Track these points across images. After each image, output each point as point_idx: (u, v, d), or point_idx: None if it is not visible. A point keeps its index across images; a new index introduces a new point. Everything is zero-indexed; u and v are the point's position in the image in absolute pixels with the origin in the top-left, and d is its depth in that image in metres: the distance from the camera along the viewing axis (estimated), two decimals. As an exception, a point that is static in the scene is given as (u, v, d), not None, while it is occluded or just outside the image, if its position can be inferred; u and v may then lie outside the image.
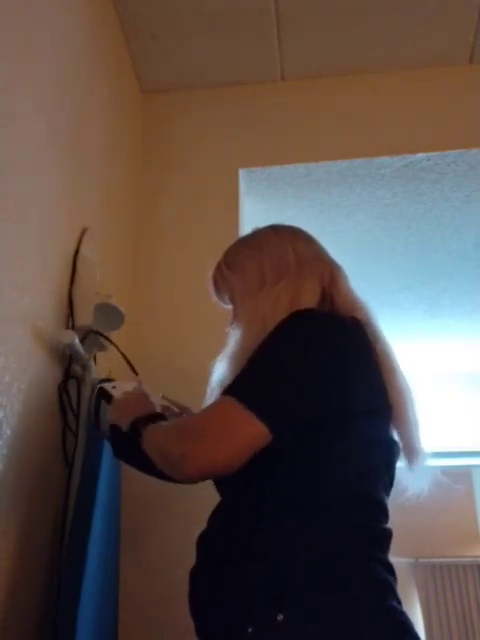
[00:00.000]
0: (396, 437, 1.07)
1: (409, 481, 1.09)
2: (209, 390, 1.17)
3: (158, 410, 1.19)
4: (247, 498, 0.98)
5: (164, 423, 1.08)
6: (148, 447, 1.04)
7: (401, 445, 1.07)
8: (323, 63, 2.12)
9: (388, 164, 2.08)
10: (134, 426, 1.09)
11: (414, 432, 1.08)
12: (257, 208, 2.24)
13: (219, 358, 1.17)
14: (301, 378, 0.96)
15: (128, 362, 1.51)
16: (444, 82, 2.12)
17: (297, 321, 1.03)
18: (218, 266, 1.27)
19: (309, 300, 1.11)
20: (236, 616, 0.88)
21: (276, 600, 0.86)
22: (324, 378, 0.96)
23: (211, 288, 1.28)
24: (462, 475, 5.03)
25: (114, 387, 1.24)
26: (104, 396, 1.24)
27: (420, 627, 5.16)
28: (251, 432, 0.91)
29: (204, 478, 0.94)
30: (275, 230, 1.25)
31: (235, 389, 0.96)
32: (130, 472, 1.33)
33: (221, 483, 1.07)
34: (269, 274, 1.16)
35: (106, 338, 1.46)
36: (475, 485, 5.36)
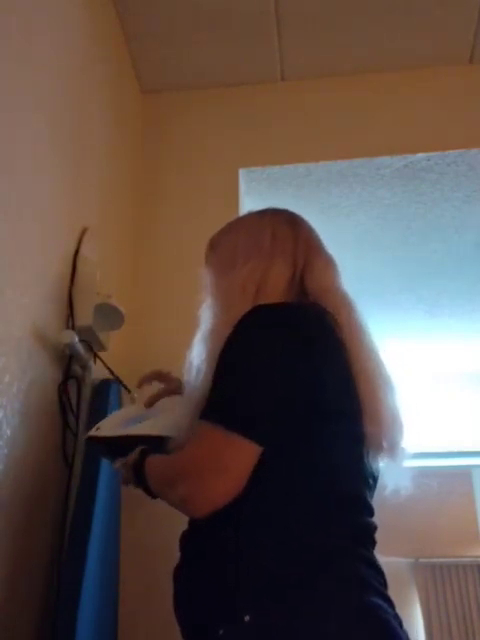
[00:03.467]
0: (372, 433, 1.01)
1: (388, 478, 1.06)
2: (186, 365, 1.10)
3: (148, 412, 1.19)
4: None
5: (155, 461, 1.04)
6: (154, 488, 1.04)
7: (384, 443, 1.02)
8: (323, 63, 2.12)
9: (388, 164, 2.08)
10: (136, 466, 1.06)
11: (391, 428, 1.03)
12: (257, 208, 2.23)
13: (196, 339, 1.12)
14: (271, 385, 0.93)
15: (117, 378, 1.52)
16: (444, 82, 2.12)
17: (259, 322, 0.99)
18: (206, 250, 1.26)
19: (276, 284, 1.08)
20: (211, 617, 0.88)
21: (246, 600, 0.84)
22: (294, 381, 0.94)
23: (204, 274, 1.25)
24: (462, 475, 5.03)
25: (98, 428, 1.18)
26: (94, 443, 1.19)
27: (420, 627, 5.15)
28: (242, 454, 0.90)
29: (214, 511, 0.90)
30: (261, 212, 1.24)
31: (211, 414, 0.93)
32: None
33: None
34: (241, 254, 1.14)
35: (96, 354, 1.47)
36: (475, 485, 5.35)
